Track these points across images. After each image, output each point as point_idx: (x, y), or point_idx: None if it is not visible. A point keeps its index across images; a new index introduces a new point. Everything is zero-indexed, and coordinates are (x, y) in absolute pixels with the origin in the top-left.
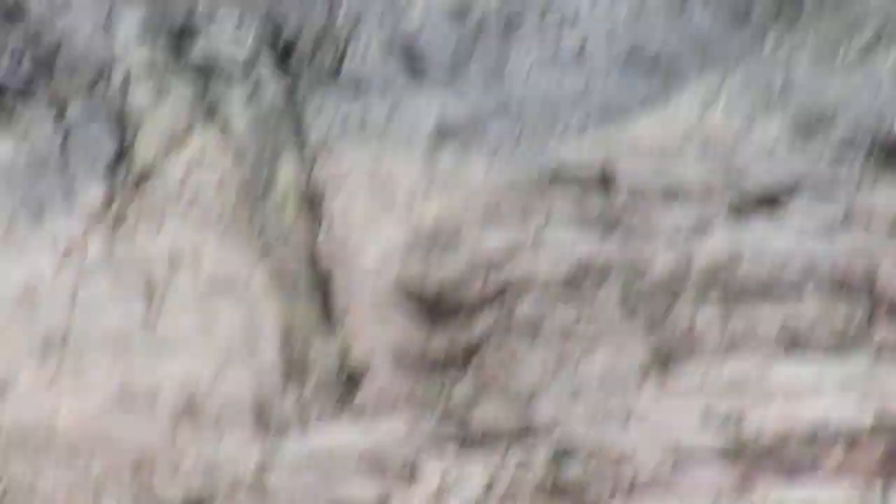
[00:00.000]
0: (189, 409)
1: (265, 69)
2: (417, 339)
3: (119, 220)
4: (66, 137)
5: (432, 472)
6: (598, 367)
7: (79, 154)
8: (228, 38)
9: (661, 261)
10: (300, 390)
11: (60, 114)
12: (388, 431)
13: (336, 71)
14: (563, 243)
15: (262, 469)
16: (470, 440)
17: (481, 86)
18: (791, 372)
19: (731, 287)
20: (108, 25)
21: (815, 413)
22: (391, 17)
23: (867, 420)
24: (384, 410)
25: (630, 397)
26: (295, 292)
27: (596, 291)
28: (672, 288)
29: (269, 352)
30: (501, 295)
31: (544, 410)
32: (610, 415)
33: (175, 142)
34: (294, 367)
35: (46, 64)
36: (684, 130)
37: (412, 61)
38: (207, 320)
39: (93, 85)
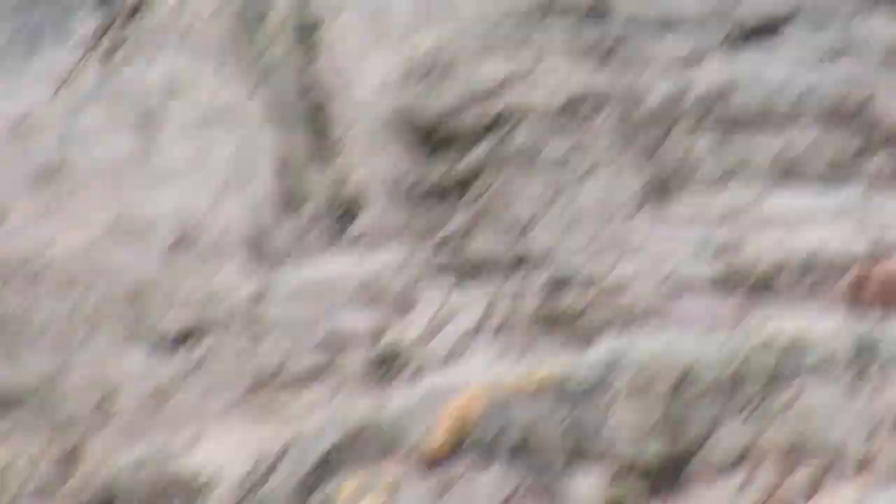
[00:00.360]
0: (184, 240)
1: None
2: (413, 170)
3: (112, 50)
4: None
5: (428, 302)
6: (593, 198)
7: None
8: None
9: (656, 91)
10: (296, 221)
11: None
12: (383, 262)
13: None
14: (558, 73)
15: (257, 299)
16: (465, 270)
17: None
18: (785, 201)
19: (725, 117)
20: None
21: (811, 242)
22: None
23: (862, 248)
24: (380, 241)
25: (625, 227)
26: (290, 123)
27: (591, 122)
28: (667, 118)
29: (264, 182)
30: (496, 125)
31: (539, 240)
32: (605, 245)
33: None
34: (289, 198)
35: None
36: None
37: None
38: (202, 151)
39: None
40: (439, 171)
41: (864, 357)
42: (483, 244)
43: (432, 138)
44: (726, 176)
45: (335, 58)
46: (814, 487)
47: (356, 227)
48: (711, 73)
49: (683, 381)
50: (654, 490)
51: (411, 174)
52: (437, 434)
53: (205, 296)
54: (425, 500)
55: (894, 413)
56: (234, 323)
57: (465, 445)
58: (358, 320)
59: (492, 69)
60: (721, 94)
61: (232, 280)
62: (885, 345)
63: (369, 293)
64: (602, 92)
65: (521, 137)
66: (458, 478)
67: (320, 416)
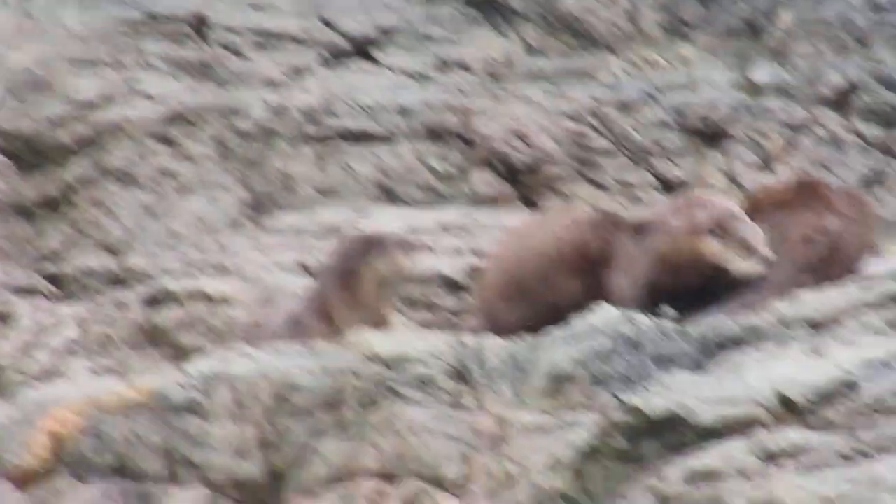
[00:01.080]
0: None
1: None
2: (10, 186)
3: None
4: None
5: (24, 318)
6: (192, 214)
7: None
8: None
9: (256, 107)
10: None
11: None
12: None
13: None
14: (158, 89)
15: None
16: (63, 287)
17: None
18: (386, 217)
19: (325, 135)
20: None
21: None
22: None
23: (466, 264)
24: None
25: (225, 244)
26: None
27: (190, 138)
28: (267, 135)
29: None
30: (94, 142)
31: (137, 257)
32: (204, 261)
33: None
34: None
35: None
36: None
37: None
38: None
39: None
40: (36, 187)
41: (461, 378)
42: (80, 261)
43: (28, 154)
44: (326, 192)
45: None
46: None
47: None
48: (311, 90)
49: (282, 398)
50: None
51: (8, 190)
52: (33, 451)
53: None
54: None
55: (490, 434)
56: None
57: (61, 462)
58: None
59: (89, 85)
60: (320, 111)
61: None
62: (481, 367)
63: None
64: (201, 108)
65: (118, 154)
66: (54, 495)
67: None
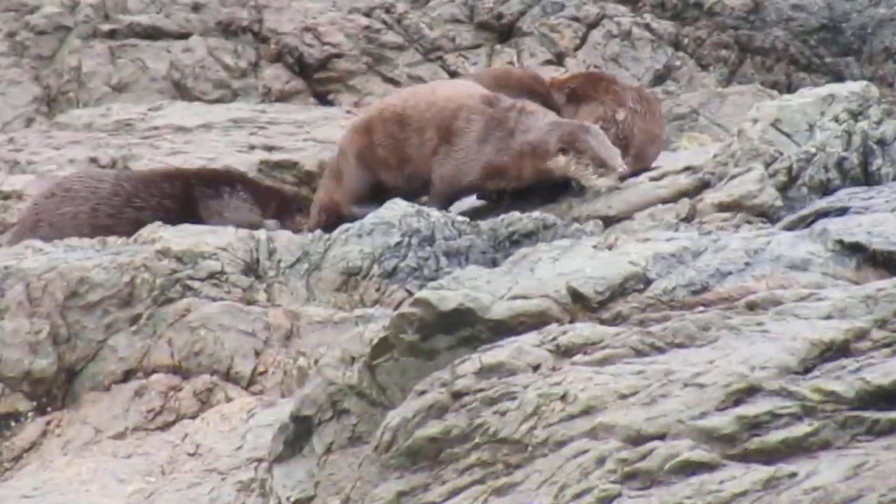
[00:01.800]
0: None
1: None
2: None
3: None
4: None
5: None
6: None
7: None
8: None
9: (49, 3)
10: None
11: None
12: None
13: None
14: None
15: None
16: None
17: None
18: (178, 113)
19: (118, 29)
20: None
21: (204, 151)
22: None
23: (257, 159)
24: None
25: (17, 138)
26: None
27: None
28: (59, 30)
29: None
30: None
31: None
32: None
33: None
34: None
35: None
36: None
37: None
38: None
39: None
40: None
41: (253, 273)
42: None
43: None
44: (119, 89)
45: None
46: (204, 399)
47: None
48: None
49: (75, 293)
50: (47, 401)
51: None
52: None
53: None
54: None
55: (282, 328)
56: None
57: None
58: None
59: None
60: (112, 8)
61: None
62: (272, 263)
63: None
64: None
65: None
66: None
67: None
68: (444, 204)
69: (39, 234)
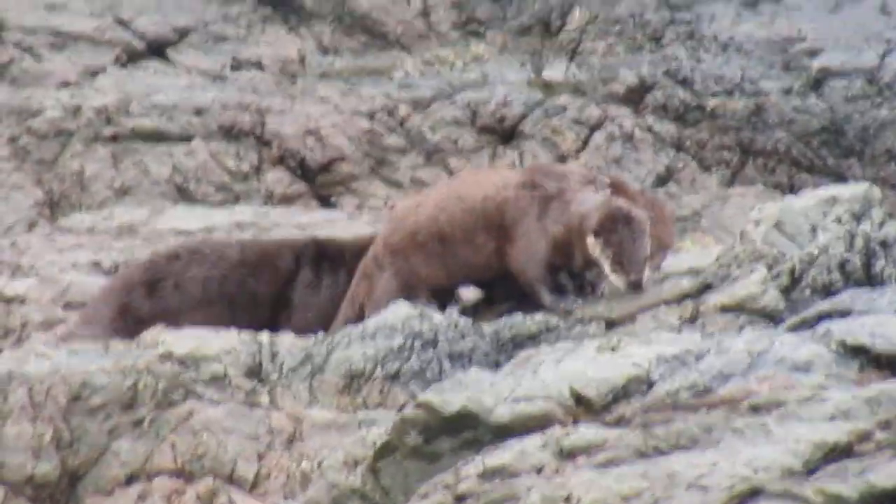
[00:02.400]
0: None
1: None
2: None
3: None
4: None
5: None
6: None
7: None
8: None
9: (52, 107)
10: None
11: None
12: None
13: None
14: None
15: None
16: None
17: None
18: (182, 217)
19: (120, 133)
20: None
21: None
22: None
23: None
24: None
25: (20, 242)
26: None
27: None
28: (62, 135)
29: None
30: None
31: None
32: (1, 261)
33: None
34: None
35: None
36: None
37: None
38: None
39: None
40: None
41: (256, 376)
42: None
43: None
44: (121, 192)
45: None
46: (207, 503)
47: None
48: (105, 91)
49: (78, 397)
50: None
51: None
52: None
53: None
54: None
55: (285, 432)
56: None
57: None
58: None
59: None
60: (115, 112)
61: None
62: (275, 366)
63: None
64: None
65: None
66: None
67: None
68: (541, 291)
69: (158, 296)
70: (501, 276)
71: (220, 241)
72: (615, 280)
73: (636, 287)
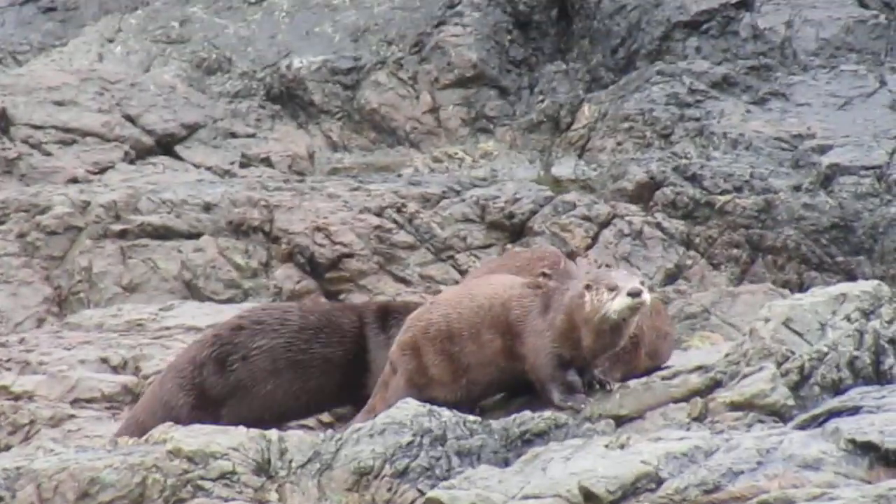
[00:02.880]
0: None
1: None
2: None
3: None
4: None
5: None
6: None
7: None
8: None
9: (60, 203)
10: None
11: None
12: None
13: None
14: None
15: None
16: None
17: None
18: (190, 313)
19: (129, 230)
20: None
21: None
22: None
23: None
24: None
25: (28, 339)
26: None
27: None
28: (71, 230)
29: None
30: None
31: None
32: (8, 356)
33: None
34: None
35: None
36: (81, 74)
37: None
38: None
39: None
40: None
41: (265, 473)
42: None
43: None
44: (130, 289)
45: None
46: None
47: None
48: (114, 188)
49: (86, 494)
50: None
51: None
52: None
53: None
54: None
55: None
56: None
57: None
58: None
59: None
60: (124, 208)
61: None
62: (284, 462)
63: None
64: (5, 205)
65: None
66: None
67: None
68: (552, 389)
69: (229, 370)
70: (507, 378)
71: (280, 306)
72: (619, 305)
73: (637, 294)
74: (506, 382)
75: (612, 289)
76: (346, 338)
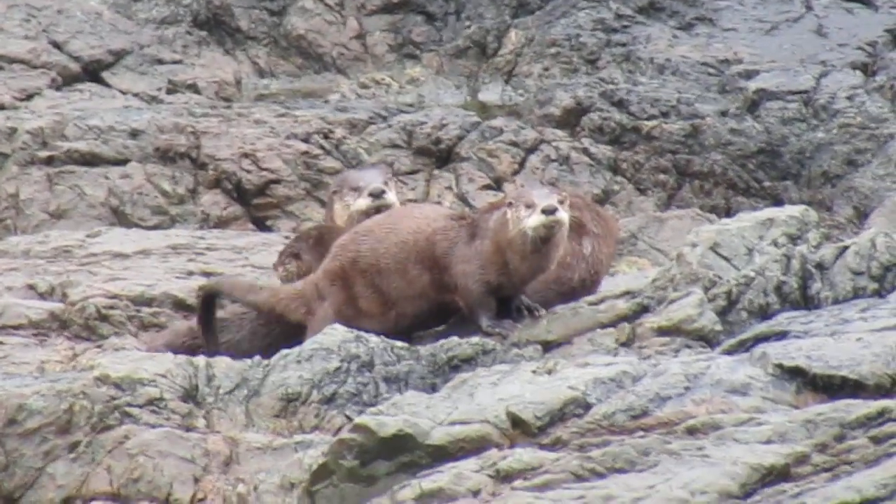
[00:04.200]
0: None
1: None
2: None
3: None
4: None
5: None
6: None
7: None
8: None
9: None
10: None
11: None
12: None
13: None
14: None
15: None
16: None
17: None
18: (116, 239)
19: (55, 156)
20: None
21: (143, 279)
22: None
23: (195, 284)
24: None
25: None
26: None
27: None
28: None
29: None
30: None
31: None
32: None
33: None
34: None
35: None
36: (7, 0)
37: None
38: None
39: None
40: None
41: (192, 399)
42: None
43: None
44: (56, 215)
45: None
46: None
47: None
48: (40, 114)
49: (13, 421)
50: None
51: None
52: None
53: None
54: None
55: (221, 455)
56: None
57: None
58: None
59: None
60: (50, 135)
61: None
62: (212, 389)
63: None
64: None
65: None
66: None
67: None
68: (480, 314)
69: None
70: (437, 310)
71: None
72: (534, 222)
73: (551, 212)
74: (436, 314)
75: (529, 206)
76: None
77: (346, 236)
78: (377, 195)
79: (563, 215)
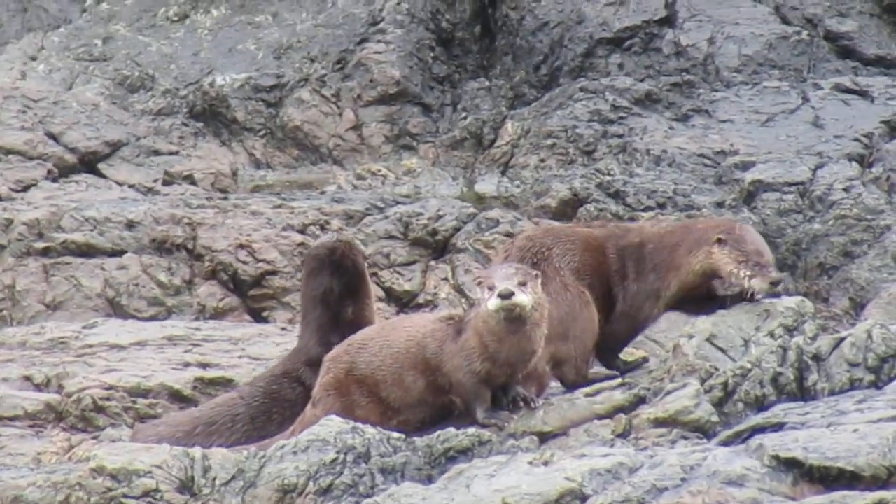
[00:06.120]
0: None
1: None
2: None
3: None
4: None
5: None
6: None
7: None
8: None
9: None
10: None
11: None
12: None
13: None
14: None
15: None
16: None
17: None
18: (113, 330)
19: (52, 247)
20: None
21: (140, 370)
22: None
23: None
24: None
25: None
26: None
27: None
28: None
29: None
30: None
31: None
32: None
33: None
34: None
35: None
36: (4, 91)
37: None
38: None
39: None
40: None
41: (188, 490)
42: None
43: None
44: (53, 307)
45: None
46: None
47: None
48: (37, 205)
49: None
50: None
51: None
52: None
53: None
54: None
55: None
56: None
57: None
58: None
59: None
60: (47, 226)
61: None
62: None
63: None
64: None
65: None
66: None
67: None
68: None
69: None
70: (440, 412)
71: (226, 400)
72: (493, 305)
73: (506, 297)
74: (439, 415)
75: (491, 288)
76: (297, 406)
77: (338, 349)
78: (505, 296)
79: (522, 298)
